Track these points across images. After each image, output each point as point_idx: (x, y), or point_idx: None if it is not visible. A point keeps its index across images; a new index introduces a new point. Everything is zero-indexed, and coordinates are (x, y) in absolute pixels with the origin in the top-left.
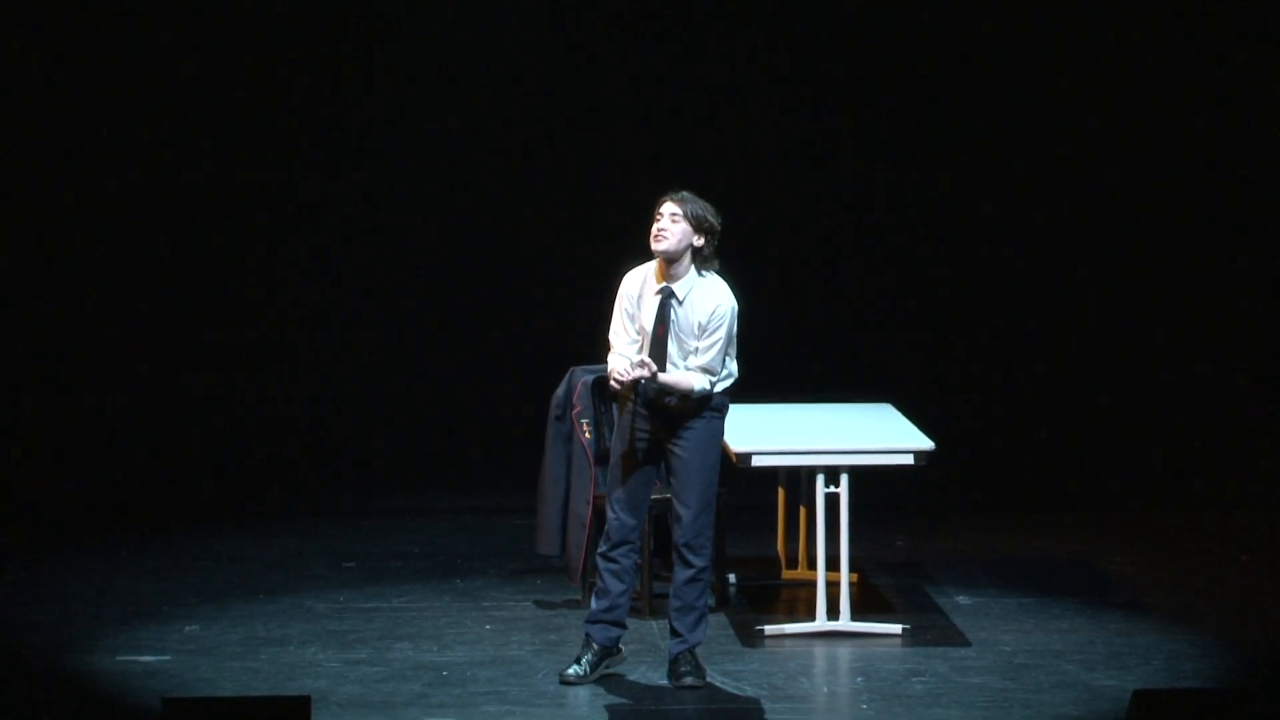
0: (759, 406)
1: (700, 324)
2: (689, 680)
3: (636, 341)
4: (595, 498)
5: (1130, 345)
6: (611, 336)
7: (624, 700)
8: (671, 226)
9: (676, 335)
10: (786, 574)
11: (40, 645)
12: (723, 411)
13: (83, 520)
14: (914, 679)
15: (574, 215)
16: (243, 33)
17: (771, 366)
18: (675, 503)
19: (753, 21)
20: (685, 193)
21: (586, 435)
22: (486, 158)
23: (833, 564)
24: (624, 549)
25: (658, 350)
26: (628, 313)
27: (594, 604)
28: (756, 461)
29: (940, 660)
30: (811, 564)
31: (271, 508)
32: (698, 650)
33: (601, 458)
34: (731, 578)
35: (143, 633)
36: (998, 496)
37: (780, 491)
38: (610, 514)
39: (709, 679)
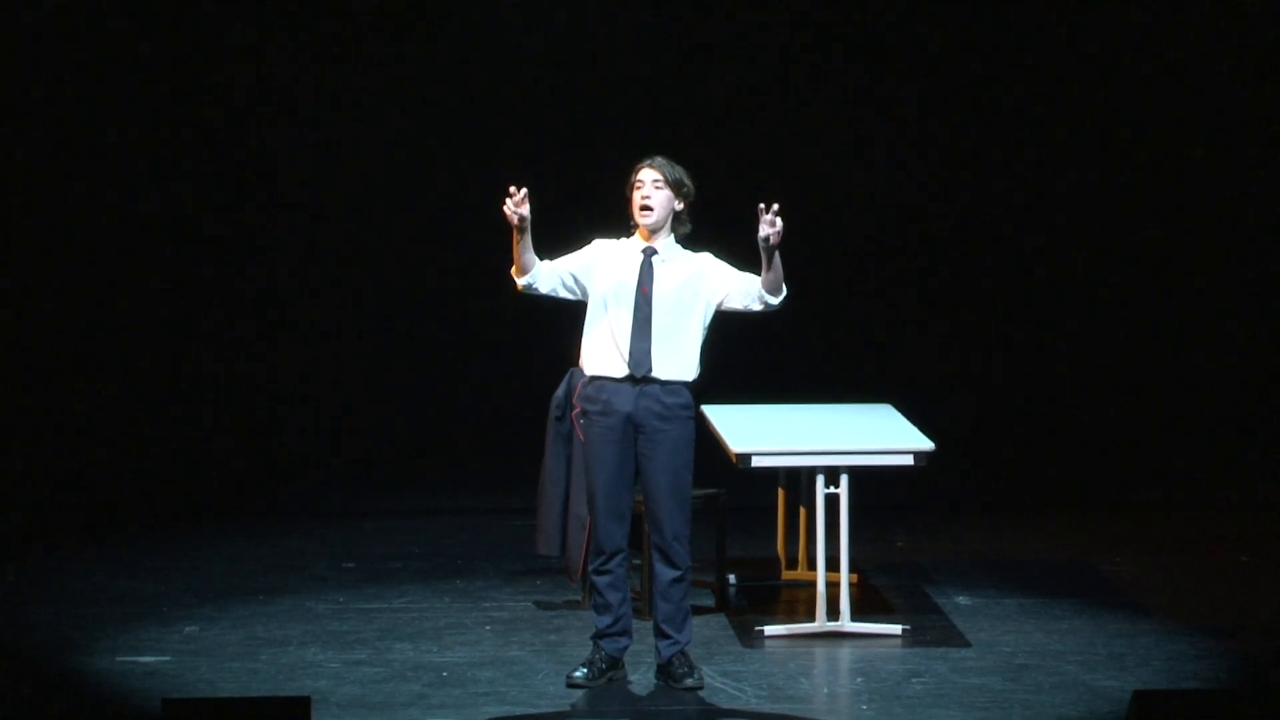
0: (759, 407)
1: (692, 283)
2: (689, 682)
3: (565, 284)
4: None
5: (1131, 346)
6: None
7: (624, 701)
8: (656, 194)
9: (658, 297)
10: (786, 574)
11: (40, 645)
12: (693, 411)
13: (82, 521)
14: (914, 680)
15: (574, 216)
16: (234, 25)
17: (771, 367)
18: (653, 505)
19: (761, 21)
20: (659, 157)
21: None
22: (487, 158)
23: (833, 565)
24: (618, 559)
25: (643, 310)
26: (582, 257)
27: (599, 621)
28: (756, 462)
29: (940, 661)
30: (811, 565)
31: (271, 508)
32: (688, 649)
33: None
34: (731, 578)
35: (142, 633)
36: (998, 497)
37: (780, 492)
38: (598, 527)
39: (707, 679)
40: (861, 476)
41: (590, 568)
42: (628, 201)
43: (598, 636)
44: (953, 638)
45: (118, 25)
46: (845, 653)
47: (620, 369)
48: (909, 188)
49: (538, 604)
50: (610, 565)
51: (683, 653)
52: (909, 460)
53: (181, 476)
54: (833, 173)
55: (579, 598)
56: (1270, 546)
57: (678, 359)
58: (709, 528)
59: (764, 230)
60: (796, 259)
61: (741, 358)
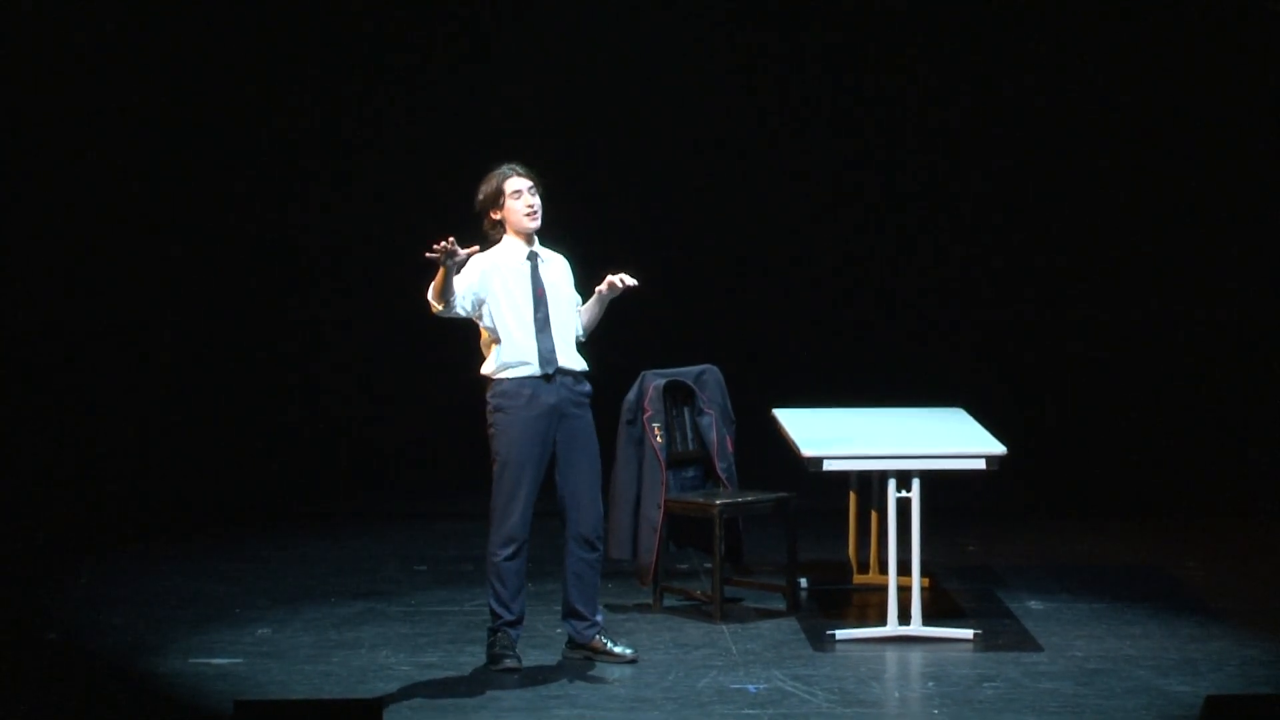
0: (831, 410)
1: (567, 280)
2: (630, 652)
3: (465, 308)
4: (666, 501)
5: (1206, 352)
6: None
7: (693, 704)
8: (537, 201)
9: (550, 297)
10: (858, 578)
11: (113, 647)
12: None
13: (156, 523)
14: (985, 684)
15: (610, 215)
16: (257, 41)
17: (843, 370)
18: (577, 496)
19: (792, 31)
20: (517, 165)
21: (658, 439)
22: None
23: (904, 568)
24: (525, 547)
25: (541, 311)
26: (473, 277)
27: (507, 611)
28: (828, 466)
29: (1012, 665)
30: (883, 568)
31: (344, 510)
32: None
33: (673, 461)
34: (803, 582)
35: (215, 635)
36: (1070, 501)
37: (852, 496)
38: (517, 515)
39: (777, 682)
40: (933, 480)
41: (500, 556)
42: (495, 211)
43: (507, 625)
44: (1024, 642)
45: (129, 28)
46: (916, 656)
47: (534, 369)
48: (984, 191)
49: (609, 607)
50: (521, 553)
51: (604, 629)
52: (980, 464)
53: (255, 479)
54: (900, 176)
55: (649, 601)
56: None
57: (572, 350)
58: (779, 531)
59: (615, 285)
60: (870, 262)
61: (812, 360)
